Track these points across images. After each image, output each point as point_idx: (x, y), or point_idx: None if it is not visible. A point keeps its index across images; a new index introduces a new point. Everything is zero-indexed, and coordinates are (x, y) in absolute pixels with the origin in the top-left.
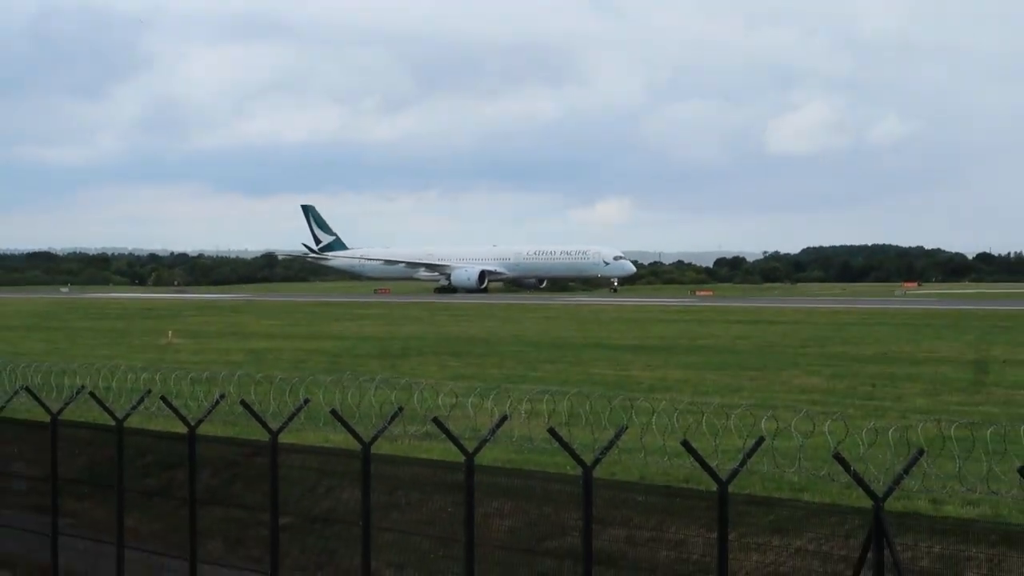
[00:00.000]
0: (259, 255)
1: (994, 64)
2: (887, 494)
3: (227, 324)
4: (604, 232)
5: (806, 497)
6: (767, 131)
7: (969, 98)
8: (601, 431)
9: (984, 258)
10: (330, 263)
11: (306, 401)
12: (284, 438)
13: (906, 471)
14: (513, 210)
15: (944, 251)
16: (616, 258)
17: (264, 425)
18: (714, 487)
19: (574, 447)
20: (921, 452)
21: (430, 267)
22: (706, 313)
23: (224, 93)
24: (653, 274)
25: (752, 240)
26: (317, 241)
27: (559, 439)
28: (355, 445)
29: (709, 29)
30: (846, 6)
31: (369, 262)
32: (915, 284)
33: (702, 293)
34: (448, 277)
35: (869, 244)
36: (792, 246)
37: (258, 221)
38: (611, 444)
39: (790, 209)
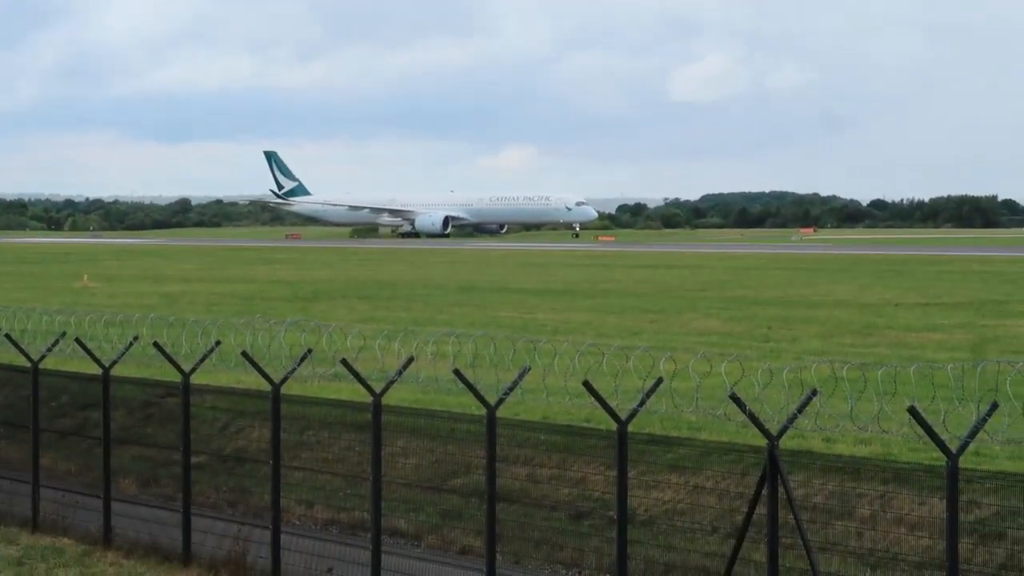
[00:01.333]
0: (173, 201)
1: (890, 14)
2: (781, 433)
3: (142, 268)
4: (509, 178)
5: (703, 436)
6: (669, 80)
7: (865, 47)
8: (505, 372)
9: (878, 205)
10: (293, 208)
11: (217, 343)
12: (196, 379)
13: (799, 410)
14: (421, 157)
15: (839, 198)
16: (579, 204)
17: (176, 366)
18: (614, 427)
19: (479, 388)
20: (814, 392)
21: (394, 213)
22: (608, 258)
23: (140, 41)
24: None
25: (654, 187)
26: (280, 187)
27: (464, 380)
28: (266, 386)
29: None
30: None
31: (332, 207)
32: (811, 230)
33: (604, 239)
34: (412, 223)
35: (767, 191)
36: (692, 193)
37: (172, 167)
38: (514, 385)
39: (691, 157)
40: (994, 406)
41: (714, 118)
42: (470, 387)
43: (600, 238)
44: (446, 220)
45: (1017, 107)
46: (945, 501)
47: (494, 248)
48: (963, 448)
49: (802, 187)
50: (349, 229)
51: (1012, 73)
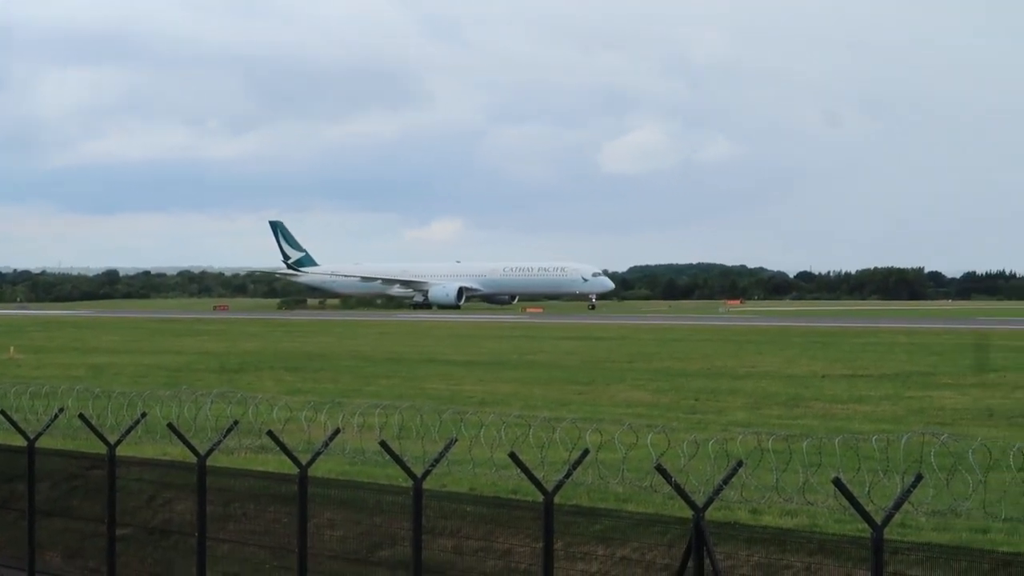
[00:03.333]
0: (101, 272)
1: (816, 89)
2: (707, 504)
3: (69, 339)
4: (438, 250)
5: (630, 507)
6: (600, 153)
7: (792, 122)
8: (432, 444)
9: (805, 276)
10: (300, 279)
11: (143, 415)
12: (122, 451)
13: (725, 482)
14: (354, 229)
15: (766, 269)
16: (595, 275)
17: (102, 438)
18: (540, 498)
19: (405, 459)
20: (740, 464)
21: (405, 284)
22: (536, 329)
23: (73, 113)
24: None
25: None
26: (286, 257)
27: (390, 451)
28: (192, 458)
29: (547, 54)
30: (678, 32)
31: (343, 278)
32: (738, 301)
33: (532, 310)
34: (425, 294)
35: (694, 263)
36: (620, 265)
37: (101, 239)
38: (441, 456)
39: (620, 229)
40: (919, 478)
41: (644, 190)
42: (396, 459)
43: (527, 309)
44: (460, 291)
45: (942, 181)
46: (871, 573)
47: (422, 319)
48: (888, 519)
49: (729, 259)
50: (277, 301)
51: (938, 147)
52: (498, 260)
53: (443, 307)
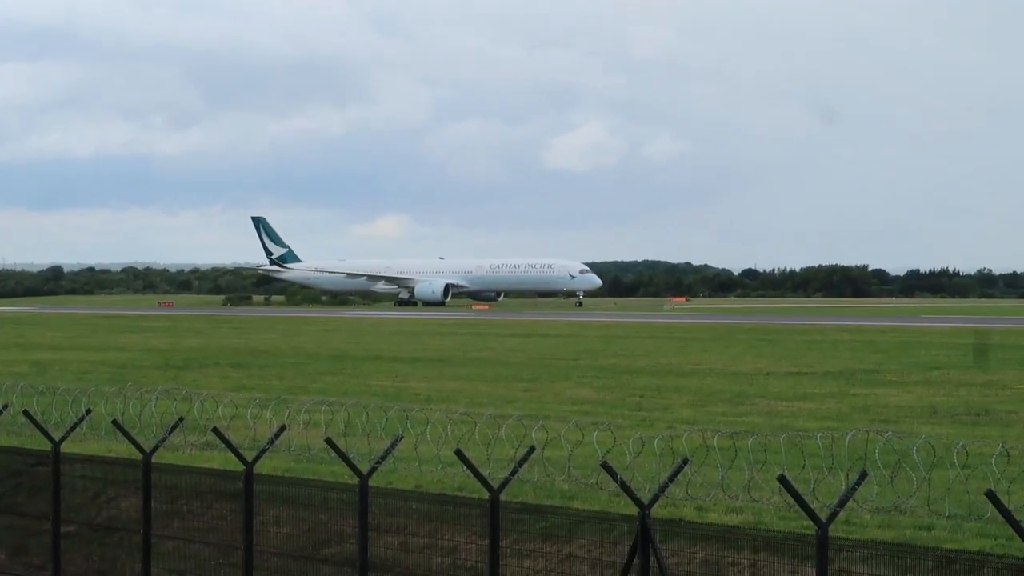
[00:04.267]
0: (44, 268)
1: (760, 86)
2: (652, 502)
3: (12, 336)
4: (383, 246)
5: (576, 505)
6: (546, 149)
7: (737, 118)
8: (377, 441)
9: (749, 274)
10: (283, 276)
11: (88, 411)
12: (67, 448)
13: (671, 479)
14: (299, 225)
15: (712, 267)
16: (582, 271)
17: (46, 435)
18: (487, 495)
19: (351, 456)
20: (685, 461)
21: (391, 280)
22: (482, 326)
23: (15, 108)
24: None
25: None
26: (269, 253)
27: (336, 449)
28: (137, 455)
29: (491, 50)
30: (621, 29)
31: (328, 274)
32: (684, 299)
33: (477, 307)
34: (411, 291)
35: (640, 260)
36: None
37: (44, 234)
38: (386, 453)
39: (565, 226)
40: (863, 475)
41: (589, 187)
42: (342, 456)
43: (473, 306)
44: (447, 288)
45: (887, 178)
46: (816, 570)
47: (367, 316)
48: (833, 516)
49: (674, 256)
50: (222, 297)
51: (882, 145)
52: (484, 256)
53: (428, 304)
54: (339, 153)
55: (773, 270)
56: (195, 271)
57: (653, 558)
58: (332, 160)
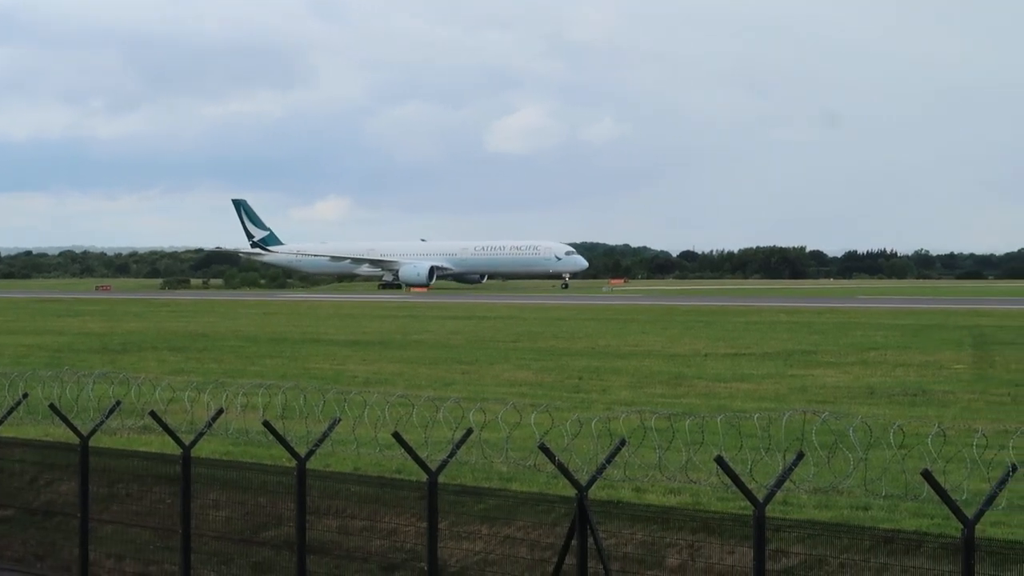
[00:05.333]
0: None
1: (700, 69)
2: (590, 483)
3: None
4: (323, 229)
5: (514, 487)
6: (486, 132)
7: (677, 102)
8: (315, 424)
9: (688, 256)
10: (265, 258)
11: (25, 395)
12: (4, 432)
13: (608, 461)
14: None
15: (650, 249)
16: (568, 253)
17: None
18: (425, 477)
19: (289, 440)
20: (623, 442)
21: (375, 263)
22: (421, 309)
23: None
24: None
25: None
26: (250, 236)
27: (274, 432)
28: (75, 439)
29: (431, 33)
30: (561, 12)
31: (311, 257)
32: (622, 281)
33: (416, 290)
34: (395, 273)
35: (578, 242)
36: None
37: None
38: (324, 436)
39: (505, 208)
40: (800, 456)
41: (528, 169)
42: (280, 439)
43: (412, 289)
44: (431, 271)
45: (825, 161)
46: (753, 550)
47: (305, 299)
48: (770, 497)
49: (613, 238)
50: (160, 281)
51: (821, 127)
52: (468, 239)
53: (413, 287)
54: (279, 136)
55: (712, 252)
56: (133, 255)
57: (591, 539)
58: (272, 143)
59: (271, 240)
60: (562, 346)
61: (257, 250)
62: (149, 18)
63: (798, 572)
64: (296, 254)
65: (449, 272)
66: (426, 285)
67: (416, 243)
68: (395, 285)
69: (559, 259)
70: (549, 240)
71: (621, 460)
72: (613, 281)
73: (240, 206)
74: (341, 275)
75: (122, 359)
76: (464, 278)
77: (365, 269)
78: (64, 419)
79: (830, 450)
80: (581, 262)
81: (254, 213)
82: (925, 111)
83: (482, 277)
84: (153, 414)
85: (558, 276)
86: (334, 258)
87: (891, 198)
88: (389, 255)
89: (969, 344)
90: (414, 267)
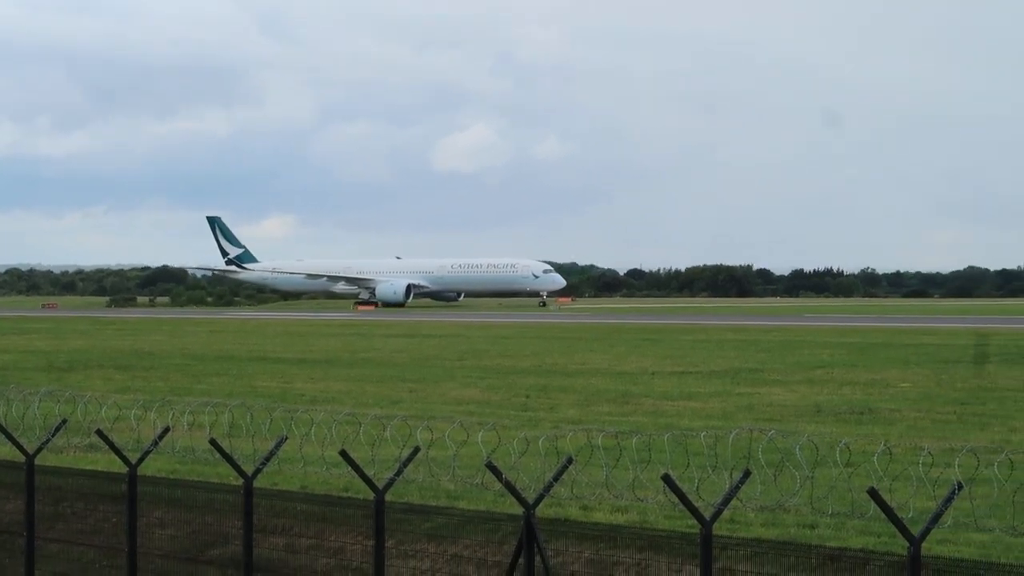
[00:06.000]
0: None
1: (647, 89)
2: (537, 501)
3: None
4: (269, 247)
5: (461, 505)
6: (433, 151)
7: (624, 121)
8: (262, 442)
9: (635, 274)
10: (240, 276)
11: None
12: None
13: (556, 478)
14: (183, 226)
15: (597, 267)
16: (545, 271)
17: None
18: (372, 496)
19: (235, 458)
20: (570, 460)
21: (351, 281)
22: (367, 327)
23: None
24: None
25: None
26: (224, 253)
27: (220, 450)
28: (20, 457)
29: (378, 52)
30: (509, 31)
31: (287, 275)
32: (569, 299)
33: (363, 308)
34: (372, 291)
35: None
36: None
37: None
38: (271, 454)
39: (452, 227)
40: (747, 473)
41: (475, 188)
42: (227, 457)
43: (359, 308)
44: (408, 288)
45: (771, 179)
46: (700, 568)
47: (252, 317)
48: (717, 515)
49: (560, 256)
50: (106, 299)
51: (767, 146)
52: (445, 256)
53: (389, 305)
54: (225, 154)
55: (659, 270)
56: (79, 272)
57: (538, 557)
58: (217, 161)
59: (246, 257)
60: (508, 364)
61: (232, 268)
62: (95, 36)
63: None
64: (272, 271)
65: (426, 290)
66: (402, 303)
67: (392, 260)
68: (371, 303)
69: (536, 277)
70: (527, 258)
71: (568, 478)
72: (560, 299)
73: (215, 223)
74: (316, 293)
75: (68, 377)
76: (441, 296)
77: (341, 287)
78: (10, 437)
79: (777, 468)
80: (559, 280)
81: (229, 230)
82: (873, 133)
83: (459, 295)
84: (99, 432)
85: (535, 294)
86: (310, 276)
87: (838, 217)
88: (365, 272)
89: (915, 362)
90: (391, 285)
